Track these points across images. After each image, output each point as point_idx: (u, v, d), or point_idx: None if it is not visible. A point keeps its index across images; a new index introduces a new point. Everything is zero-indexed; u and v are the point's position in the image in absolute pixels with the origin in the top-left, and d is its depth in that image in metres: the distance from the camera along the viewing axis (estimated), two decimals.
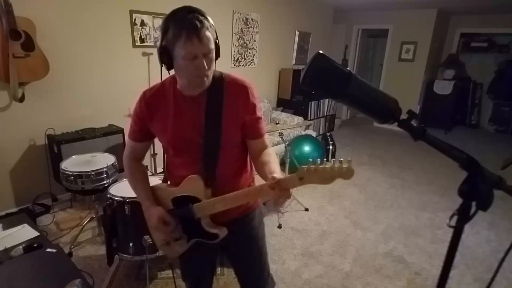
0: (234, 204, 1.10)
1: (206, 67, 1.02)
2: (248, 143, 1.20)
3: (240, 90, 1.14)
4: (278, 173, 1.01)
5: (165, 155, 1.30)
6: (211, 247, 1.28)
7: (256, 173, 1.25)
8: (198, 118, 1.11)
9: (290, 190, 0.98)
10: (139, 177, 1.26)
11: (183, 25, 0.96)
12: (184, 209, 1.16)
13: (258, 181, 1.15)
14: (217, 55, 1.07)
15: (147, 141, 1.26)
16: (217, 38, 1.05)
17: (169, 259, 2.25)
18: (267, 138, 1.23)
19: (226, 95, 1.12)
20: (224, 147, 1.14)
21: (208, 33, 0.99)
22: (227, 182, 1.17)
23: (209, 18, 1.02)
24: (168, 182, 1.30)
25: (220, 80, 1.13)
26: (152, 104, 1.15)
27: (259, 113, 1.18)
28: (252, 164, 1.27)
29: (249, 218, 1.30)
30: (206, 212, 1.15)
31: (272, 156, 1.16)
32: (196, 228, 1.18)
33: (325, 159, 0.92)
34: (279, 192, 0.96)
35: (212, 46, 1.01)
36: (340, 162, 0.88)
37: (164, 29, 1.00)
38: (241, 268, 1.40)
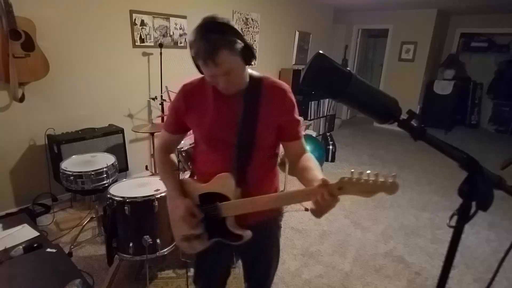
0: (265, 207, 1.07)
1: (225, 84, 1.03)
2: (285, 146, 1.22)
3: (277, 92, 1.14)
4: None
5: (195, 150, 1.31)
6: (228, 251, 1.29)
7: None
8: (235, 117, 1.12)
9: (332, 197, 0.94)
10: (169, 169, 1.27)
11: (199, 50, 0.96)
12: (211, 206, 1.15)
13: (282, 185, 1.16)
14: (248, 61, 1.05)
15: (180, 134, 1.28)
16: (245, 46, 1.01)
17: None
18: (305, 144, 1.23)
19: (263, 97, 1.12)
20: (257, 148, 1.14)
21: (224, 55, 0.95)
22: (257, 184, 1.16)
23: (230, 29, 0.98)
24: (195, 177, 1.30)
25: (258, 82, 1.14)
26: (190, 98, 1.17)
27: (297, 116, 1.18)
28: (282, 168, 1.27)
29: (271, 222, 1.32)
30: (233, 212, 1.13)
31: (313, 161, 1.15)
32: (220, 228, 1.17)
33: (368, 171, 0.87)
34: (327, 198, 0.93)
35: (233, 64, 0.99)
36: (385, 176, 0.85)
37: (190, 44, 1.01)
38: (253, 265, 1.41)
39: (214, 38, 0.94)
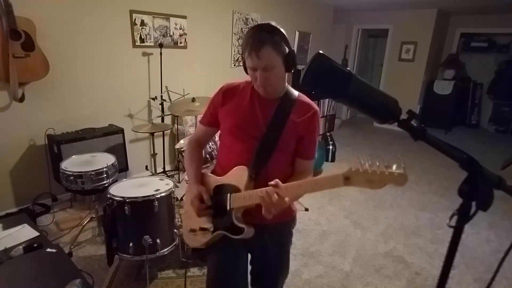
0: (289, 195, 1.08)
1: (263, 80, 1.13)
2: (295, 161, 1.28)
3: (308, 110, 1.24)
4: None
5: (220, 146, 1.40)
6: (242, 256, 1.30)
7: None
8: (265, 117, 1.22)
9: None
10: (194, 158, 1.37)
11: (248, 42, 1.11)
12: (221, 197, 1.22)
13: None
14: (289, 67, 1.15)
15: (212, 128, 1.37)
16: (289, 52, 1.13)
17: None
18: (312, 166, 1.30)
19: (295, 109, 1.22)
20: (278, 150, 1.20)
21: (269, 51, 1.08)
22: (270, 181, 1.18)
23: (279, 33, 1.12)
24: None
25: (294, 96, 1.25)
26: (229, 94, 1.28)
27: (316, 137, 1.28)
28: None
29: (285, 226, 1.36)
30: (241, 203, 1.17)
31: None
32: (225, 220, 1.21)
33: (377, 162, 0.86)
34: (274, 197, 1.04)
35: (274, 62, 1.11)
36: (394, 165, 0.83)
37: (242, 42, 1.18)
38: (262, 270, 1.38)
39: (264, 35, 1.09)
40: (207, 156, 2.36)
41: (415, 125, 0.71)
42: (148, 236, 1.94)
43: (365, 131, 6.48)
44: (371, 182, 0.84)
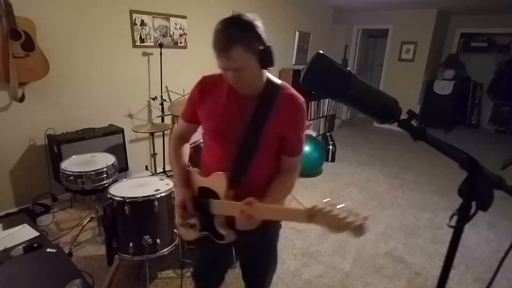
0: (261, 216, 1.04)
1: (235, 81, 1.04)
2: (280, 157, 1.21)
3: (293, 105, 1.14)
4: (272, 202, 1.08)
5: (204, 143, 1.35)
6: (228, 251, 1.32)
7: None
8: (244, 118, 1.12)
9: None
10: (179, 155, 1.30)
11: (216, 41, 0.98)
12: (204, 201, 1.19)
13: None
14: (265, 65, 1.03)
15: (193, 124, 1.30)
16: (264, 49, 1.00)
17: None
18: (300, 161, 1.23)
19: (277, 105, 1.11)
20: (260, 153, 1.13)
21: (239, 51, 0.96)
22: (254, 190, 1.12)
23: (252, 28, 0.99)
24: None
25: (276, 89, 1.13)
26: (206, 90, 1.19)
27: (302, 134, 1.18)
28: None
29: (267, 228, 1.28)
30: (221, 212, 1.15)
31: (287, 183, 1.19)
32: (209, 223, 1.19)
33: (342, 205, 0.84)
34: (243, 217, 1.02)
35: (246, 62, 0.99)
36: (356, 215, 0.81)
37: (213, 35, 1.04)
38: (249, 268, 1.43)
39: (233, 33, 0.96)
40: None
41: (415, 125, 0.71)
42: (148, 236, 1.94)
43: (365, 131, 6.48)
44: (330, 226, 0.83)
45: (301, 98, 1.15)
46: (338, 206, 0.84)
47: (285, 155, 1.19)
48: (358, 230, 0.79)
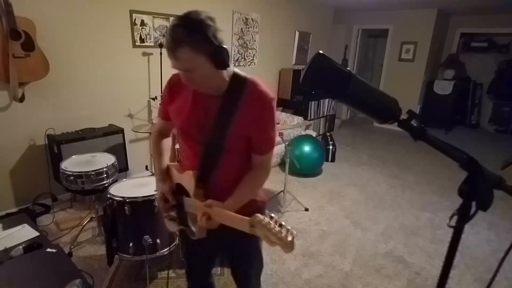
0: (219, 220, 1.03)
1: (188, 81, 1.03)
2: (251, 155, 1.18)
3: (259, 103, 1.08)
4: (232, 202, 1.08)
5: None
6: (211, 246, 1.33)
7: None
8: (209, 119, 1.10)
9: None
10: (158, 151, 1.33)
11: (165, 40, 0.97)
12: (179, 197, 1.21)
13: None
14: (219, 66, 0.99)
15: (169, 121, 1.29)
16: (216, 49, 0.96)
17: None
18: (272, 157, 1.19)
19: (244, 103, 1.07)
20: (226, 153, 1.11)
21: (186, 52, 0.93)
22: (223, 190, 1.12)
23: (201, 28, 0.94)
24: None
25: (242, 85, 1.08)
26: (175, 88, 1.19)
27: (271, 132, 1.13)
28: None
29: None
30: (190, 209, 1.16)
31: (255, 180, 1.16)
32: (184, 218, 1.21)
33: (283, 223, 0.86)
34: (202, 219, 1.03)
35: (194, 63, 0.95)
36: (288, 231, 0.83)
37: None
38: (235, 270, 1.44)
39: (180, 33, 0.93)
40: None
41: (415, 125, 0.71)
42: (148, 236, 1.94)
43: (365, 131, 6.48)
44: (266, 238, 0.86)
45: (269, 95, 1.09)
46: (275, 219, 0.87)
47: (253, 153, 1.16)
48: (287, 247, 0.82)
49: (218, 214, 1.02)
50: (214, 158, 1.12)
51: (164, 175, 1.27)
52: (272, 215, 0.88)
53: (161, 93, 3.42)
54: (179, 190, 1.23)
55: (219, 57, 0.97)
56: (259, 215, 0.88)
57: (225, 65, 1.00)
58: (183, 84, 1.11)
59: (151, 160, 3.33)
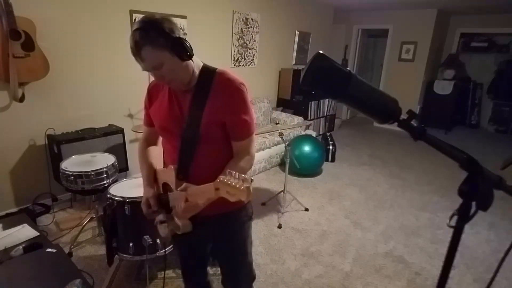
0: (196, 199, 1.04)
1: (160, 79, 1.09)
2: (231, 143, 1.20)
3: (227, 88, 1.13)
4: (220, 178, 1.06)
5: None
6: (200, 241, 1.37)
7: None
8: (183, 112, 1.16)
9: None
10: (144, 158, 1.35)
11: (130, 47, 1.03)
12: (164, 195, 1.22)
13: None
14: (182, 56, 1.05)
15: (153, 128, 1.33)
16: (174, 41, 1.02)
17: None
18: (252, 143, 1.20)
19: (213, 92, 1.13)
20: (201, 143, 1.15)
21: (148, 50, 1.00)
22: (204, 179, 1.10)
23: (155, 26, 1.00)
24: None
25: (210, 76, 1.15)
26: (152, 93, 1.26)
27: (244, 115, 1.15)
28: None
29: (230, 218, 1.29)
30: (174, 203, 1.16)
31: (236, 167, 1.14)
32: (171, 217, 1.21)
33: (233, 172, 0.87)
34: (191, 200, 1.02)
35: (160, 59, 1.02)
36: (244, 180, 0.84)
37: None
38: (221, 262, 1.46)
39: (138, 35, 1.00)
40: None
41: (415, 125, 0.70)
42: (148, 236, 1.94)
43: (365, 131, 6.48)
44: (228, 194, 0.86)
45: (238, 80, 1.14)
46: (232, 173, 0.87)
47: (232, 140, 1.19)
48: (242, 194, 0.82)
49: (192, 193, 1.03)
50: (191, 149, 1.16)
51: (149, 180, 1.29)
52: (233, 172, 0.88)
53: None
54: (165, 190, 1.25)
55: (180, 48, 1.03)
56: (220, 176, 0.89)
57: (188, 55, 1.06)
58: (160, 88, 1.22)
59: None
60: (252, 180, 0.85)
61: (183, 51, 1.04)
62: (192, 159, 1.17)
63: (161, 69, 1.05)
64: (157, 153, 1.39)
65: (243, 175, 0.85)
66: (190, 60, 1.10)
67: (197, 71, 1.15)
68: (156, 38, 1.00)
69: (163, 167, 1.33)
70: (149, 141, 1.40)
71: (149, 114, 1.30)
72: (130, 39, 1.02)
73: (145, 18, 1.02)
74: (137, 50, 1.01)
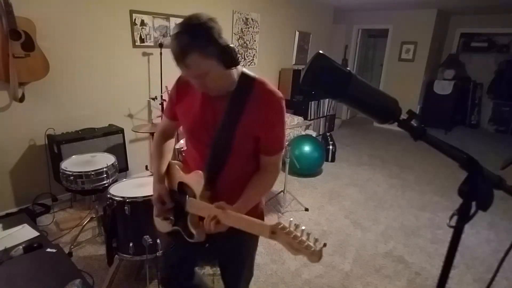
0: (229, 222, 1.00)
1: (201, 87, 1.03)
2: (259, 156, 1.16)
3: (268, 101, 1.07)
4: (239, 205, 1.05)
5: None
6: (199, 248, 1.29)
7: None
8: (216, 119, 1.09)
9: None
10: (159, 152, 1.31)
11: (172, 50, 0.95)
12: (181, 197, 1.19)
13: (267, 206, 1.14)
14: (228, 65, 0.98)
15: (175, 121, 1.29)
16: (222, 49, 0.95)
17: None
18: (281, 158, 1.17)
19: (250, 103, 1.06)
20: (233, 154, 1.10)
21: (195, 58, 0.92)
22: (230, 192, 1.11)
23: (204, 32, 0.93)
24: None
25: (249, 85, 1.07)
26: (183, 89, 1.18)
27: (280, 131, 1.11)
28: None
29: (240, 236, 1.19)
30: (194, 211, 1.13)
31: (263, 182, 1.14)
32: (182, 219, 1.19)
33: (303, 228, 0.86)
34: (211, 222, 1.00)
35: (206, 68, 0.95)
36: (316, 241, 0.82)
37: None
38: (223, 269, 1.43)
39: (185, 40, 0.91)
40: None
41: (415, 125, 0.71)
42: (148, 236, 1.94)
43: (365, 131, 6.48)
44: (290, 245, 0.84)
45: (278, 94, 1.08)
46: (300, 228, 0.85)
47: (261, 154, 1.14)
48: (314, 256, 0.80)
49: (230, 217, 0.99)
50: (221, 160, 1.11)
51: (163, 177, 1.25)
52: (298, 223, 0.86)
53: (161, 92, 3.44)
54: (180, 190, 1.21)
55: (228, 57, 0.96)
56: (282, 222, 0.86)
57: (235, 63, 0.99)
58: (191, 86, 1.09)
59: (151, 160, 3.32)
60: (325, 244, 0.81)
61: (230, 60, 0.97)
62: (222, 171, 1.12)
63: (205, 78, 0.97)
64: (171, 148, 1.36)
65: (314, 235, 0.83)
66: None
67: (236, 77, 1.08)
68: (205, 45, 0.92)
69: (183, 167, 1.26)
70: (166, 134, 1.35)
71: (173, 109, 1.23)
72: (173, 42, 0.93)
73: (193, 20, 0.93)
74: (182, 56, 0.92)
